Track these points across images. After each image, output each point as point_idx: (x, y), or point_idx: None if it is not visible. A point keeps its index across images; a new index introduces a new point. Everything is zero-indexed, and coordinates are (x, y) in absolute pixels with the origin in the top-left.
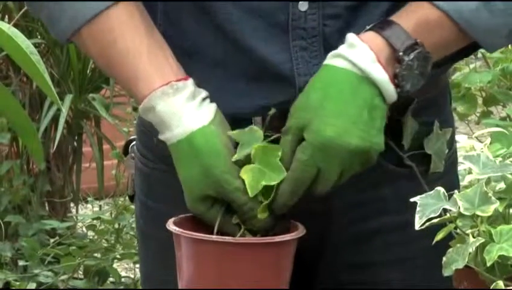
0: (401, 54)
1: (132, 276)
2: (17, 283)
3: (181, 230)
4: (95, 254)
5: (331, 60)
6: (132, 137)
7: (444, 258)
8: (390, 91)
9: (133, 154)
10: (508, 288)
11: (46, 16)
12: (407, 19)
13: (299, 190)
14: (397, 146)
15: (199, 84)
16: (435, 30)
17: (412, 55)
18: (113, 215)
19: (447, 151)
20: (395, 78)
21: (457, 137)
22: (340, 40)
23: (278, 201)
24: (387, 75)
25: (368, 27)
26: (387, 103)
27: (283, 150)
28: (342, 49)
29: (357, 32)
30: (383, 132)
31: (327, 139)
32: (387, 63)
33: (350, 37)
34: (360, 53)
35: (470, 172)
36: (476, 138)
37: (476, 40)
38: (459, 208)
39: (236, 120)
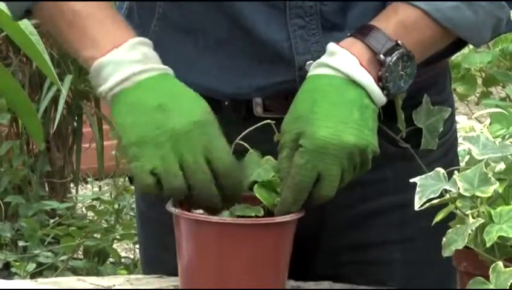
0: (382, 56)
1: (132, 256)
2: (17, 263)
3: (180, 211)
4: (95, 235)
5: (314, 70)
6: None
7: (444, 239)
8: (377, 93)
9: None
10: (508, 269)
11: None
12: (386, 21)
13: (301, 195)
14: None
15: (199, 62)
16: (416, 30)
17: (393, 57)
18: (113, 196)
19: (440, 130)
20: (379, 80)
21: (457, 118)
22: (338, 18)
23: (280, 209)
24: (371, 78)
25: (348, 34)
26: (377, 105)
27: (281, 167)
28: (323, 58)
29: (357, 10)
30: (377, 133)
31: (323, 141)
32: (370, 67)
33: (330, 46)
34: (342, 59)
35: (469, 153)
36: (476, 118)
37: (461, 37)
38: (458, 188)
39: (237, 100)
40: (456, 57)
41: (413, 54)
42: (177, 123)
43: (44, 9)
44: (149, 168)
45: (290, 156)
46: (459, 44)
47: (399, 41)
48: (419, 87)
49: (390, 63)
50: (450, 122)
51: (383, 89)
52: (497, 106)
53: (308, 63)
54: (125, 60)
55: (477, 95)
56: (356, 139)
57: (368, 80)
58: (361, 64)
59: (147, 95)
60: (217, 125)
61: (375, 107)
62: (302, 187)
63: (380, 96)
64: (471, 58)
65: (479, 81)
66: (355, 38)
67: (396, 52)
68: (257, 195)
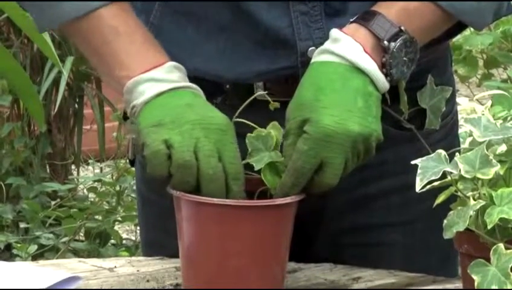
0: (386, 42)
1: (133, 238)
2: (18, 245)
3: (181, 193)
4: (96, 216)
5: (318, 57)
6: None
7: (445, 221)
8: (381, 80)
9: (133, 119)
10: (509, 251)
11: (32, 4)
12: (389, 7)
13: (300, 181)
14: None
15: (202, 47)
16: (418, 15)
17: (397, 43)
18: (114, 178)
19: (443, 109)
20: (383, 67)
21: (458, 99)
22: (341, 4)
23: (279, 192)
24: (375, 64)
25: (351, 20)
26: (380, 92)
27: (286, 153)
28: (327, 44)
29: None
30: (380, 118)
31: (327, 129)
32: (374, 53)
33: (333, 32)
34: (346, 46)
35: (470, 135)
36: (477, 100)
37: (462, 21)
38: (459, 170)
39: (238, 85)
40: (457, 39)
41: (416, 39)
42: (200, 116)
43: (78, 26)
44: (164, 138)
45: (295, 143)
46: (460, 27)
47: (402, 27)
48: (420, 70)
49: (394, 50)
50: (451, 104)
51: (386, 75)
52: (498, 88)
53: (310, 49)
54: (166, 78)
55: (479, 76)
56: (360, 127)
57: (372, 66)
58: (365, 51)
59: (178, 99)
60: (234, 133)
61: (379, 94)
62: (302, 173)
63: (384, 83)
64: (473, 40)
65: (481, 62)
66: (358, 25)
67: (400, 39)
68: (262, 177)
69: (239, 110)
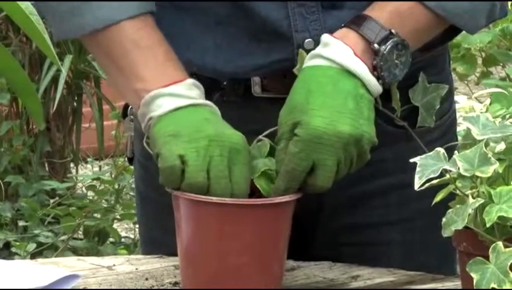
0: (376, 45)
1: (132, 236)
2: (17, 243)
3: (180, 191)
4: (95, 215)
5: (309, 61)
6: None
7: (444, 219)
8: (372, 82)
9: (131, 117)
10: (508, 249)
11: (52, 12)
12: (380, 10)
13: (293, 184)
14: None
15: (199, 41)
16: (410, 18)
17: (388, 46)
18: (113, 176)
19: (437, 107)
20: (374, 70)
21: (456, 98)
22: None
23: (273, 197)
24: (366, 67)
25: (342, 25)
26: (373, 95)
27: (279, 158)
28: (318, 49)
29: None
30: (374, 122)
31: (318, 131)
32: (364, 56)
33: (324, 37)
34: (336, 49)
35: (469, 133)
36: (476, 98)
37: (455, 24)
38: (458, 168)
39: (235, 80)
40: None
41: (407, 42)
42: (217, 131)
43: (98, 38)
44: (180, 153)
45: (287, 147)
46: (456, 30)
47: (393, 30)
48: (417, 68)
49: (385, 52)
50: (449, 102)
51: (378, 78)
52: (497, 86)
53: (306, 41)
54: (185, 94)
55: (477, 74)
56: (351, 128)
57: (362, 69)
58: (355, 54)
59: (196, 114)
60: (248, 153)
61: (371, 97)
62: (294, 175)
63: (376, 86)
64: (471, 38)
65: (479, 61)
66: (349, 29)
67: (390, 41)
68: (256, 185)
69: (264, 134)
